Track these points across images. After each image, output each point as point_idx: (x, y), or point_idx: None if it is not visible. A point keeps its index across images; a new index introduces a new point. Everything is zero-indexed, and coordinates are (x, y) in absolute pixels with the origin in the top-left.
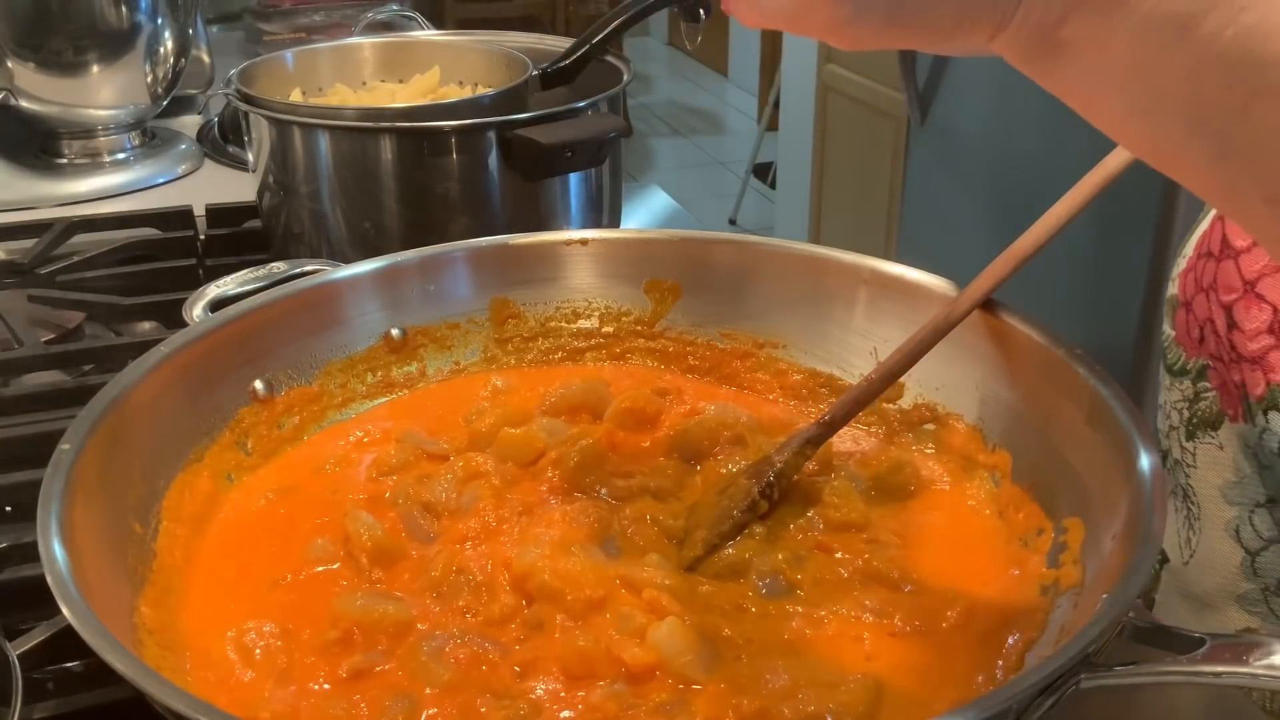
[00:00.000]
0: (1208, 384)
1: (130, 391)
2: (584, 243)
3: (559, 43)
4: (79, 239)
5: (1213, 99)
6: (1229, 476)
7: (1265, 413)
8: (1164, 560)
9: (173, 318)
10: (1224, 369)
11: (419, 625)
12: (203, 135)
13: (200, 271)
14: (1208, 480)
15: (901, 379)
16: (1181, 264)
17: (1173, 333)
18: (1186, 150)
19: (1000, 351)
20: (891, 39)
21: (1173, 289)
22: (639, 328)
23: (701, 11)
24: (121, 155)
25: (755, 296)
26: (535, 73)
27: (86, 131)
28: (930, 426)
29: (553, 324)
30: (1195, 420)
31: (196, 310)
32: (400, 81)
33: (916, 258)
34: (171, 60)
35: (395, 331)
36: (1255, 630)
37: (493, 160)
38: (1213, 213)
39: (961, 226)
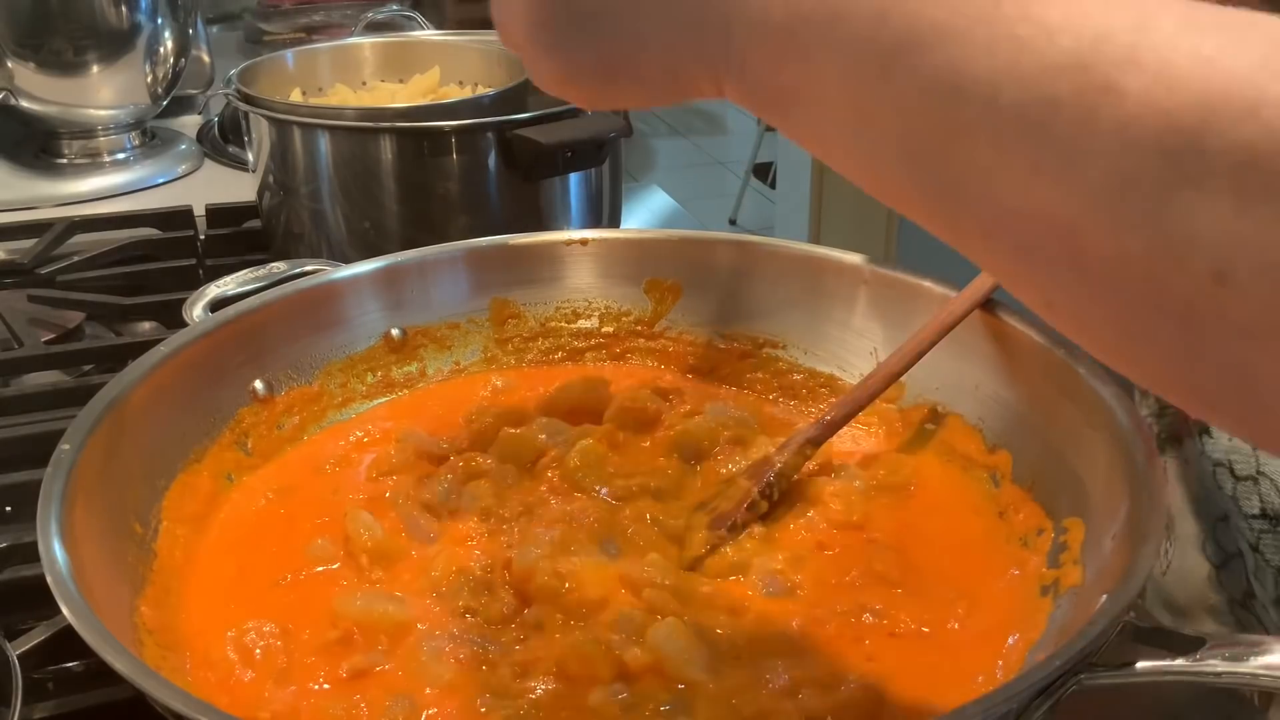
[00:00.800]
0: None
1: (130, 391)
2: (584, 243)
3: None
4: (79, 239)
5: (921, 137)
6: (1195, 491)
7: (1199, 435)
8: None
9: (173, 318)
10: None
11: (419, 625)
12: (203, 135)
13: (200, 271)
14: (1179, 494)
15: (902, 379)
16: None
17: None
18: (910, 191)
19: (1000, 351)
20: (615, 97)
21: None
22: (639, 328)
23: None
24: (121, 155)
25: (755, 296)
26: None
27: (86, 131)
28: (930, 426)
29: (553, 324)
30: (1163, 435)
31: (196, 310)
32: (400, 81)
33: (916, 258)
34: (171, 60)
35: (395, 331)
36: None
37: (492, 160)
38: None
39: None
